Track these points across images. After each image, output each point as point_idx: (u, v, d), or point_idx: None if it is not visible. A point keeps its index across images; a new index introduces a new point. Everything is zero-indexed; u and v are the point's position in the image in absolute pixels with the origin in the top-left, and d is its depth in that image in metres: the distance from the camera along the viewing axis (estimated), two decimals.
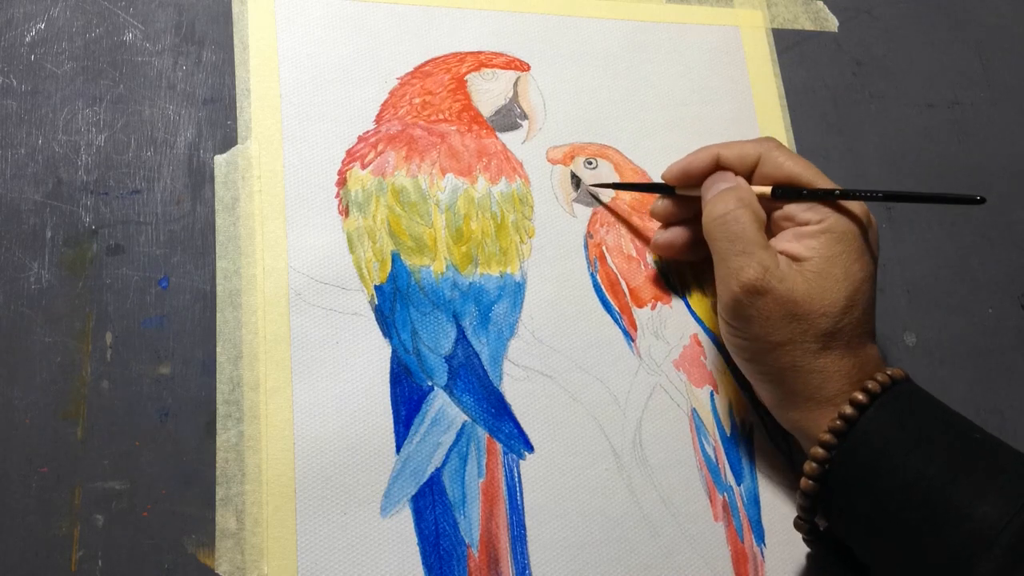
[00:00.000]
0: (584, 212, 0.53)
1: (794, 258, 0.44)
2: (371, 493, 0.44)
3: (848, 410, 0.42)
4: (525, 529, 0.45)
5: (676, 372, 0.50)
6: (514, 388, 0.47)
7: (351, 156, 0.50)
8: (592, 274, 0.51)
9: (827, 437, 0.42)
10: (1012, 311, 0.59)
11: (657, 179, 0.55)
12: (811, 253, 0.44)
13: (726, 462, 0.49)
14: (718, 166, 0.48)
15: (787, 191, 0.46)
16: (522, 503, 0.45)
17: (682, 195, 0.49)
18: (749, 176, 0.47)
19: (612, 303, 0.51)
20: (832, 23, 0.64)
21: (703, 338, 0.52)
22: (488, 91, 0.54)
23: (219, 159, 0.48)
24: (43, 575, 0.40)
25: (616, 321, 0.50)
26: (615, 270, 0.52)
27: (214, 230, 0.47)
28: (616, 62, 0.57)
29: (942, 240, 0.59)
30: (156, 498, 0.42)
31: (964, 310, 0.58)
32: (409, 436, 0.45)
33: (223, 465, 0.43)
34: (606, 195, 0.53)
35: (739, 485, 0.49)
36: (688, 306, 0.52)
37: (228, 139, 0.49)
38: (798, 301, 0.43)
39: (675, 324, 0.51)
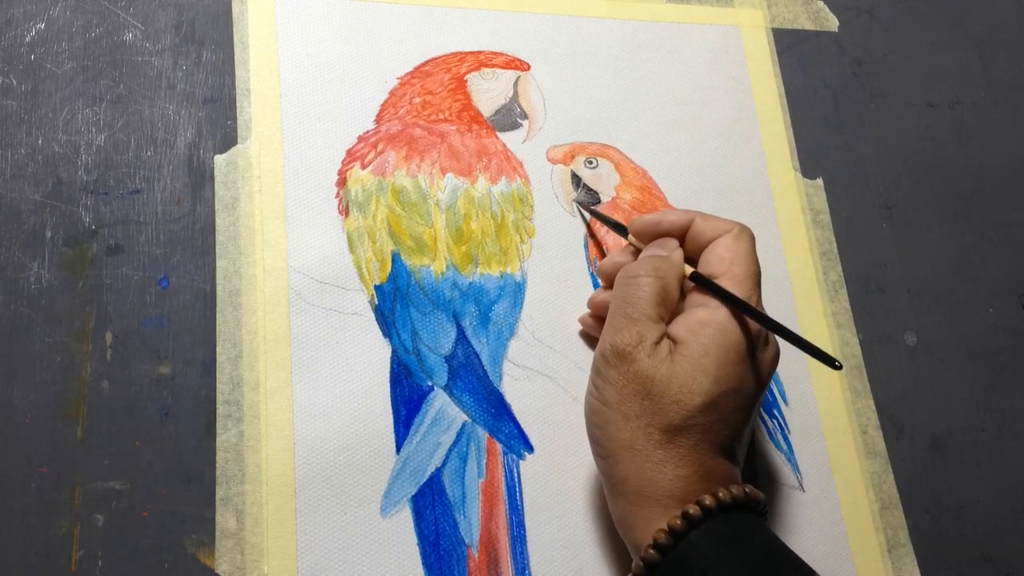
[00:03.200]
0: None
1: (676, 340, 0.41)
2: (371, 493, 0.44)
3: (677, 522, 0.38)
4: (525, 529, 0.45)
5: None
6: (514, 388, 0.47)
7: (351, 156, 0.50)
8: (592, 274, 0.51)
9: (651, 554, 0.38)
10: (1012, 311, 0.59)
11: (657, 179, 0.55)
12: (691, 338, 0.41)
13: None
14: (684, 231, 0.46)
15: (702, 279, 0.43)
16: (522, 503, 0.45)
17: (632, 243, 0.48)
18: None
19: None
20: (832, 23, 0.64)
21: None
22: (488, 91, 0.54)
23: (219, 159, 0.48)
24: (43, 575, 0.40)
25: None
26: None
27: (214, 230, 0.47)
28: (616, 62, 0.57)
29: (943, 240, 0.59)
30: (156, 498, 0.42)
31: (964, 310, 0.58)
32: (409, 436, 0.45)
33: (223, 465, 0.43)
34: (607, 188, 0.53)
35: None
36: None
37: (228, 139, 0.49)
38: (656, 380, 0.40)
39: None
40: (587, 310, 0.49)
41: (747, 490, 0.40)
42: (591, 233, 0.52)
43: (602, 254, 0.52)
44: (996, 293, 0.59)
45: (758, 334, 0.42)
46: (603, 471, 0.42)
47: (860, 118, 0.61)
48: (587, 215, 0.52)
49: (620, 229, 0.49)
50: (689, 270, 0.44)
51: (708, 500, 0.38)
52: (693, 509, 0.38)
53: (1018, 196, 0.62)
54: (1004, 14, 0.68)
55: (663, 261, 0.44)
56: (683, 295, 0.44)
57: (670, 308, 0.43)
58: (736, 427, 0.41)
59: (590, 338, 0.49)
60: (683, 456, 0.40)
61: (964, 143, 0.63)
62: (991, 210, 0.61)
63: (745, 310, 0.41)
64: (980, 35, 0.66)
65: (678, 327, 0.42)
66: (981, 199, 0.61)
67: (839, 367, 0.40)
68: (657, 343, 0.41)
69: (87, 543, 0.41)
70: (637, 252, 0.47)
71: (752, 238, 0.45)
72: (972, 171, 0.62)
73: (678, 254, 0.45)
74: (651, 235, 0.46)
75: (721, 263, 0.44)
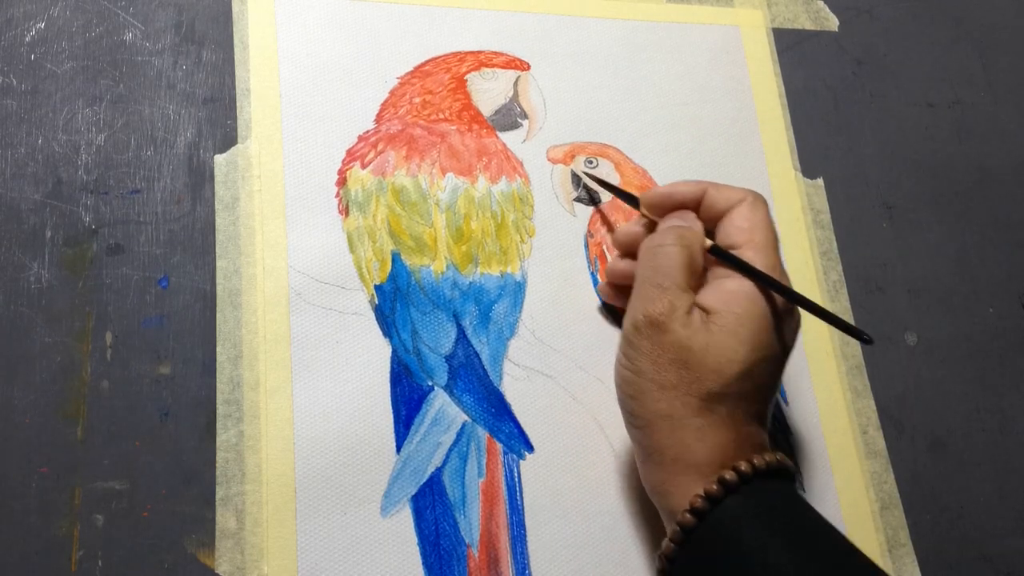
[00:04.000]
0: (584, 211, 0.53)
1: (707, 311, 0.42)
2: (371, 493, 0.44)
3: (714, 488, 0.39)
4: (525, 529, 0.45)
5: None
6: (514, 388, 0.47)
7: (351, 156, 0.50)
8: (592, 273, 0.51)
9: (688, 518, 0.39)
10: (1012, 311, 0.59)
11: (657, 179, 0.55)
12: (723, 308, 0.41)
13: None
14: (698, 202, 0.46)
15: (723, 253, 0.44)
16: (522, 503, 0.45)
17: (645, 215, 0.48)
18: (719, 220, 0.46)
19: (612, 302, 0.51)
20: (832, 23, 0.64)
21: None
22: (488, 91, 0.54)
23: (219, 159, 0.48)
24: (43, 575, 0.40)
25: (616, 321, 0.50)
26: None
27: (214, 230, 0.47)
28: (616, 62, 0.57)
29: (943, 240, 0.59)
30: (156, 498, 0.42)
31: (964, 310, 0.58)
32: (409, 436, 0.45)
33: (223, 465, 0.43)
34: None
35: None
36: None
37: (228, 139, 0.49)
38: (693, 350, 0.40)
39: None
40: (586, 310, 0.49)
41: (779, 457, 0.40)
42: (591, 232, 0.52)
43: (602, 254, 0.52)
44: (996, 293, 0.59)
45: (784, 301, 0.43)
46: (637, 440, 0.42)
47: (860, 118, 0.61)
48: (593, 185, 0.52)
49: (632, 200, 0.49)
50: (708, 243, 0.44)
51: (744, 466, 0.39)
52: (730, 475, 0.39)
53: (1018, 196, 0.62)
54: (1004, 14, 0.68)
55: (687, 231, 0.44)
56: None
57: (696, 277, 0.43)
58: (768, 393, 0.42)
59: (590, 337, 0.49)
60: (720, 423, 0.40)
61: (964, 143, 0.63)
62: (991, 210, 0.61)
63: (772, 285, 0.42)
64: (980, 35, 0.66)
65: (708, 297, 0.42)
66: (981, 199, 0.61)
67: (868, 340, 0.40)
68: (688, 312, 0.41)
69: (87, 543, 0.41)
70: (650, 225, 0.47)
71: (766, 205, 0.45)
72: (972, 171, 0.62)
73: (698, 225, 0.45)
74: (663, 207, 0.47)
75: (740, 233, 0.44)
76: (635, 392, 0.41)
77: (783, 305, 0.43)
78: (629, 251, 0.48)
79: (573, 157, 0.53)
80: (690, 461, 0.40)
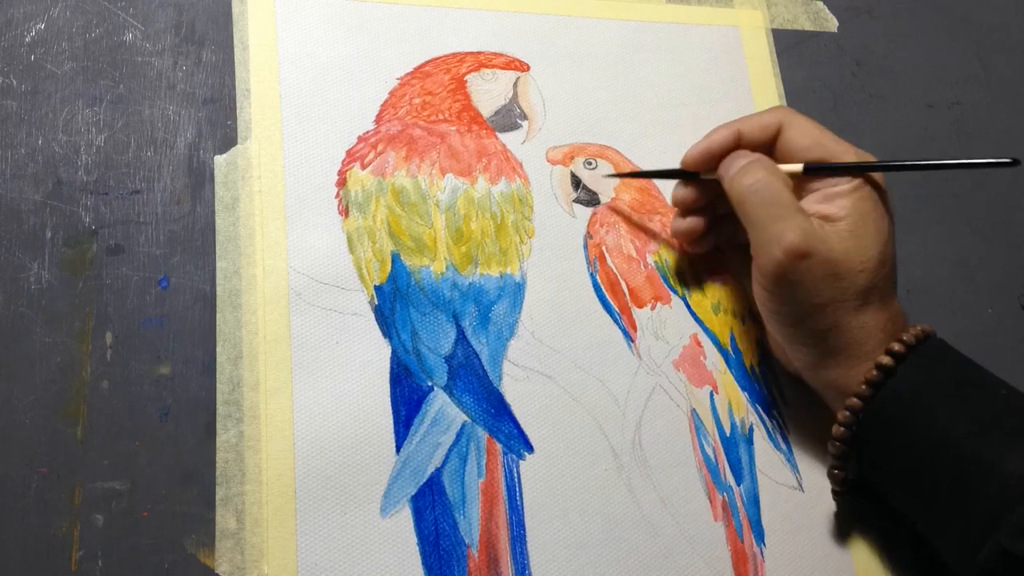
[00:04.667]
0: (584, 212, 0.53)
1: (826, 219, 0.45)
2: (371, 493, 0.44)
3: (886, 360, 0.43)
4: (525, 529, 0.45)
5: (676, 372, 0.50)
6: (514, 388, 0.47)
7: (351, 156, 0.50)
8: (592, 274, 0.51)
9: (863, 388, 0.43)
10: (1012, 311, 0.59)
11: (656, 180, 0.55)
12: (844, 212, 0.45)
13: (726, 462, 0.49)
14: (737, 143, 0.48)
15: (819, 167, 0.47)
16: (522, 503, 0.45)
17: (705, 179, 0.49)
18: (771, 147, 0.48)
19: (612, 303, 0.51)
20: (832, 23, 0.64)
21: (703, 338, 0.52)
22: (488, 91, 0.54)
23: (219, 159, 0.48)
24: (43, 575, 0.40)
25: (616, 321, 0.50)
26: (615, 270, 0.52)
27: (214, 230, 0.47)
28: (616, 62, 0.57)
29: (942, 240, 0.59)
30: (156, 498, 0.42)
31: (964, 310, 0.58)
32: (409, 436, 0.45)
33: (223, 465, 0.43)
34: (606, 189, 0.53)
35: (739, 485, 0.49)
36: (688, 306, 0.52)
37: (228, 139, 0.49)
38: (838, 260, 0.44)
39: (675, 324, 0.51)
40: (586, 310, 0.50)
41: (923, 327, 0.45)
42: (591, 233, 0.52)
43: (601, 255, 0.52)
44: (996, 293, 0.59)
45: (879, 179, 0.47)
46: (803, 355, 0.46)
47: (860, 118, 0.61)
48: (602, 190, 0.53)
49: (678, 174, 0.51)
50: (799, 166, 0.47)
51: (907, 336, 0.44)
52: (897, 346, 0.43)
53: (1018, 196, 0.62)
54: (1004, 14, 0.68)
55: (762, 160, 0.47)
56: None
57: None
58: (894, 268, 0.47)
59: (590, 337, 0.49)
60: (878, 310, 0.45)
61: (964, 143, 0.63)
62: (991, 210, 0.61)
63: (875, 169, 0.46)
64: (980, 35, 0.66)
65: (820, 208, 0.46)
66: (981, 199, 0.61)
67: (1015, 163, 0.45)
68: (816, 228, 0.44)
69: (87, 543, 0.41)
70: (705, 187, 0.50)
71: (791, 109, 0.49)
72: (972, 172, 0.62)
73: (759, 154, 0.48)
74: (708, 161, 0.49)
75: (804, 143, 0.47)
76: (795, 320, 0.45)
77: (879, 184, 0.47)
78: (688, 208, 0.51)
79: (572, 158, 0.53)
80: (861, 354, 0.44)
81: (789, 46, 0.62)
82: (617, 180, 0.54)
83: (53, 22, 0.49)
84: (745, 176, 0.46)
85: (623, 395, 0.49)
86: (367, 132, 0.50)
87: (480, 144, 0.52)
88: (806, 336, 0.45)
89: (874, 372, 0.43)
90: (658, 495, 0.47)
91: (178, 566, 0.41)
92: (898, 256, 0.58)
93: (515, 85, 0.54)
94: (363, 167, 0.49)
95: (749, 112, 0.58)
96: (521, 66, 0.55)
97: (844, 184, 0.46)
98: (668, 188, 0.55)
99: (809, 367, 0.46)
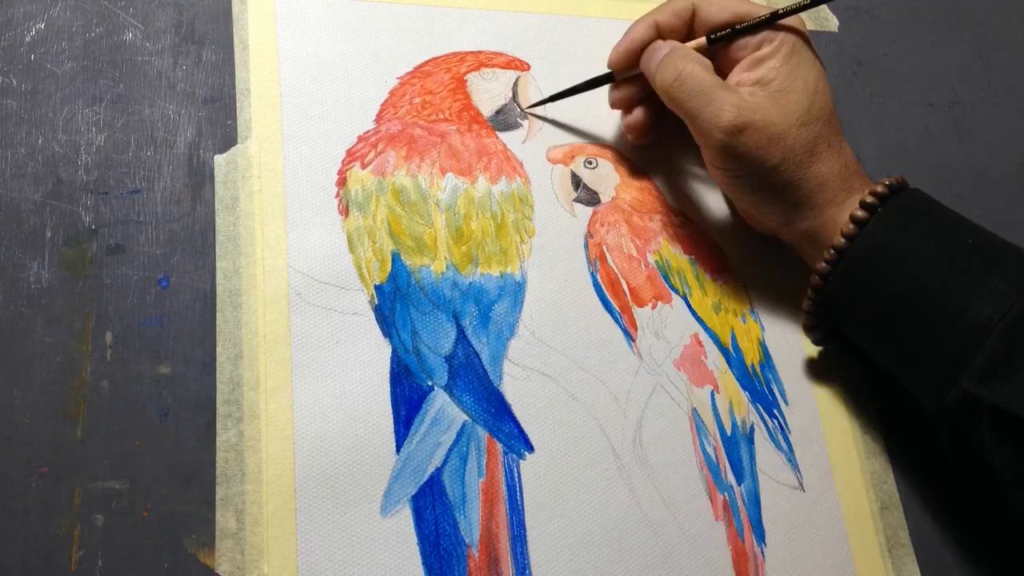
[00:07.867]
0: (584, 212, 0.53)
1: (759, 83, 0.47)
2: (371, 493, 0.44)
3: (859, 213, 0.45)
4: (525, 529, 0.45)
5: (676, 372, 0.50)
6: (514, 388, 0.47)
7: (351, 156, 0.50)
8: (592, 274, 0.51)
9: (840, 241, 0.45)
10: None
11: (657, 180, 0.55)
12: (772, 74, 0.47)
13: (727, 462, 0.49)
14: (657, 34, 0.50)
15: (721, 34, 0.48)
16: (522, 503, 0.45)
17: (625, 78, 0.51)
18: (689, 31, 0.50)
19: (612, 303, 0.51)
20: (832, 23, 0.64)
21: (704, 338, 0.52)
22: (488, 91, 0.54)
23: (219, 159, 0.48)
24: (43, 575, 0.40)
25: (616, 321, 0.50)
26: (615, 270, 0.52)
27: (214, 230, 0.47)
28: None
29: None
30: (156, 498, 0.42)
31: None
32: (409, 436, 0.45)
33: (223, 465, 0.43)
34: (607, 188, 0.53)
35: (740, 485, 0.49)
36: (689, 306, 0.52)
37: (228, 139, 0.49)
38: (776, 122, 0.45)
39: (675, 324, 0.51)
40: (586, 310, 0.50)
41: (896, 177, 0.46)
42: (591, 232, 0.52)
43: (602, 254, 0.52)
44: None
45: (798, 26, 0.48)
46: (773, 214, 0.48)
47: (860, 118, 0.61)
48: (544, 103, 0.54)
49: (605, 78, 0.52)
50: (702, 40, 0.49)
51: (880, 188, 0.45)
52: (871, 198, 0.45)
53: (1018, 196, 0.62)
54: (1004, 14, 0.68)
55: (676, 50, 0.48)
56: None
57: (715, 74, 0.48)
58: (834, 113, 0.48)
59: (590, 337, 0.49)
60: (829, 158, 0.47)
61: (964, 143, 0.63)
62: (991, 210, 0.61)
63: (776, 17, 0.48)
64: (980, 35, 0.66)
65: (746, 76, 0.48)
66: (981, 199, 0.61)
67: None
68: (746, 99, 0.46)
69: (87, 543, 0.41)
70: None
71: None
72: (972, 171, 0.62)
73: (672, 42, 0.49)
74: (631, 58, 0.51)
75: (719, 17, 0.49)
76: (753, 187, 0.47)
77: (799, 32, 0.48)
78: (631, 105, 0.52)
79: (573, 157, 0.53)
80: (825, 201, 0.46)
81: None
82: (618, 179, 0.54)
83: (53, 22, 0.49)
84: (665, 73, 0.48)
85: (624, 395, 0.49)
86: (367, 131, 0.50)
87: (480, 143, 0.52)
88: (768, 198, 0.47)
89: (850, 225, 0.45)
90: (659, 495, 0.47)
91: (178, 566, 0.41)
92: None
93: (515, 84, 0.54)
94: (363, 166, 0.49)
95: None
96: (521, 65, 0.55)
97: (767, 46, 0.48)
98: (668, 188, 0.55)
99: (781, 225, 0.49)
